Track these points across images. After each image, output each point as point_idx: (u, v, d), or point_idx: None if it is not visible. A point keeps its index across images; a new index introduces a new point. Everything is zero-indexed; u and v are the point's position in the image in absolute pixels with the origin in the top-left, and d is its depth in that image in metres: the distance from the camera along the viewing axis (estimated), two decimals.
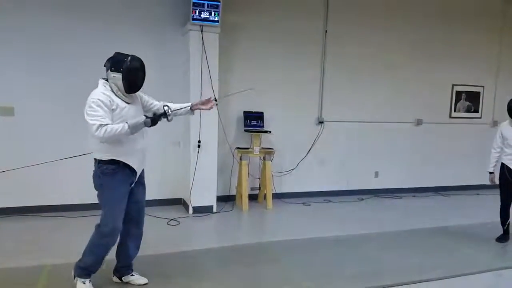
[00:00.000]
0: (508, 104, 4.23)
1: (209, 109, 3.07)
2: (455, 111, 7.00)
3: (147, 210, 5.02)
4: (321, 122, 6.15)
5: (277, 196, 5.81)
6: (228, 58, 5.46)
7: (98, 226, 2.87)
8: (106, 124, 2.58)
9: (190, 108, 3.02)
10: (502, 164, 4.32)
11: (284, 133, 5.90)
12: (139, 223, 3.06)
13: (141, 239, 3.13)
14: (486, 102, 7.15)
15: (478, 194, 6.69)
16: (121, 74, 2.68)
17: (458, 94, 6.98)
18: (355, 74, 6.25)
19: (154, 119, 2.74)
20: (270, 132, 5.60)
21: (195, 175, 5.02)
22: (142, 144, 2.87)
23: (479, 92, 7.10)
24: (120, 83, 2.70)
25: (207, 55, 4.93)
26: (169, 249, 3.86)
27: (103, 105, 2.62)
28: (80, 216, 4.75)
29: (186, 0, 4.91)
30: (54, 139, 4.79)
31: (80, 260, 2.90)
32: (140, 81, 2.78)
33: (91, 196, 5.02)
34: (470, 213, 5.59)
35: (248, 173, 5.47)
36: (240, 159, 5.40)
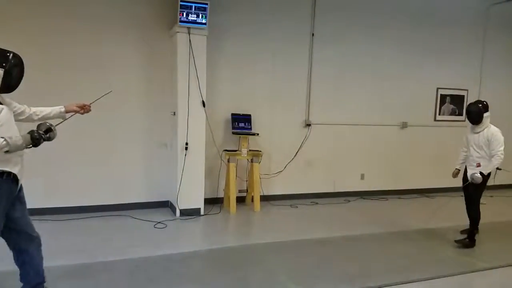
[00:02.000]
0: (467, 109, 4.39)
1: (83, 114, 2.92)
2: (439, 114, 7.12)
3: (133, 213, 5.08)
4: (309, 125, 6.19)
5: (264, 198, 5.82)
6: (216, 60, 5.46)
7: None
8: None
9: (64, 111, 2.80)
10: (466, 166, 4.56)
11: (271, 135, 5.92)
12: (30, 231, 2.73)
13: (41, 243, 2.81)
14: None
15: (462, 195, 6.79)
16: (3, 69, 2.38)
17: (443, 97, 7.10)
18: (342, 77, 6.31)
19: (37, 141, 2.46)
20: (258, 134, 5.61)
21: (182, 178, 5.00)
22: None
23: (463, 96, 7.24)
24: None
25: (194, 57, 4.92)
26: (156, 252, 3.83)
27: None
28: (59, 220, 4.71)
29: (174, 2, 4.91)
30: None
31: None
32: (21, 78, 2.52)
33: (69, 199, 5.00)
34: (454, 215, 5.66)
35: (236, 176, 5.47)
36: (228, 161, 5.40)
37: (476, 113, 4.26)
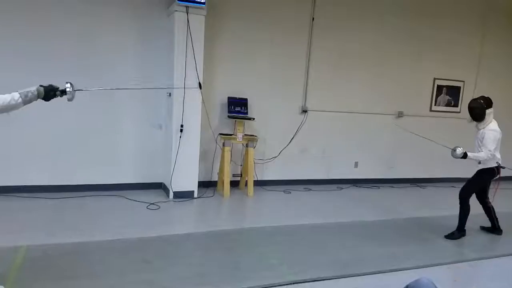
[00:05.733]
0: (468, 106, 4.22)
1: None
2: (435, 104, 7.13)
3: (126, 193, 5.06)
4: (305, 111, 6.16)
5: (258, 183, 5.82)
6: (213, 42, 5.36)
7: None
8: None
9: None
10: None
11: (267, 120, 5.89)
12: None
13: None
14: (466, 97, 7.27)
15: (453, 186, 6.88)
16: None
17: (439, 88, 7.10)
18: (340, 64, 6.25)
19: (50, 91, 2.43)
20: (253, 119, 5.57)
21: (176, 160, 4.96)
22: None
23: (460, 87, 7.24)
24: None
25: (192, 37, 4.83)
26: (149, 233, 3.83)
27: None
28: (53, 198, 4.68)
29: None
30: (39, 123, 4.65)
31: None
32: None
33: (63, 177, 4.97)
34: (443, 205, 5.74)
35: (230, 160, 5.45)
36: (223, 145, 5.37)
37: (478, 109, 4.10)
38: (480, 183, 4.39)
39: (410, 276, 2.32)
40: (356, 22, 6.22)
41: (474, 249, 4.08)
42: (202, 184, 5.47)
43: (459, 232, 4.33)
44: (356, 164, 6.71)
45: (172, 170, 4.97)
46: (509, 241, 4.37)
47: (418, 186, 6.98)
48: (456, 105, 7.28)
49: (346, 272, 3.28)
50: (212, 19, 5.17)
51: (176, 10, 4.75)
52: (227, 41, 5.52)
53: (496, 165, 4.20)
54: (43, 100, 2.49)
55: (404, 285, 1.97)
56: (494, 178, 4.33)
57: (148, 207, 4.67)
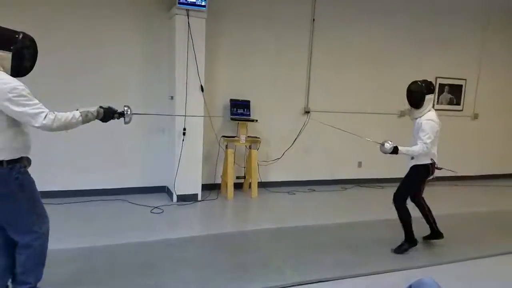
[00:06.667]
0: (407, 89, 3.70)
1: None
2: (437, 103, 7.10)
3: (130, 197, 5.07)
4: (308, 112, 6.16)
5: (262, 185, 5.81)
6: (214, 44, 5.37)
7: (34, 238, 2.47)
8: (53, 112, 2.27)
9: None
10: None
11: (270, 122, 5.89)
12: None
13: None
14: (468, 95, 7.28)
15: (456, 185, 6.86)
16: (11, 52, 2.23)
17: (441, 86, 7.07)
18: (341, 64, 6.25)
19: (109, 113, 2.54)
20: (256, 121, 5.58)
21: (179, 163, 4.97)
22: None
23: (462, 85, 7.22)
24: (8, 65, 2.24)
25: (193, 40, 4.84)
26: (153, 237, 3.83)
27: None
28: (56, 204, 4.69)
29: None
30: None
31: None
32: (34, 61, 2.38)
33: (65, 182, 4.97)
34: (447, 203, 5.71)
35: (234, 162, 5.46)
36: (226, 147, 5.38)
37: (417, 94, 3.55)
38: (414, 182, 3.87)
39: (413, 276, 2.32)
40: (357, 22, 6.22)
41: (477, 247, 4.05)
42: (206, 187, 5.47)
43: (409, 243, 3.77)
44: (359, 164, 6.70)
45: (175, 173, 4.98)
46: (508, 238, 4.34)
47: None
48: (458, 103, 7.26)
49: (351, 272, 3.27)
50: (213, 22, 5.18)
51: (177, 14, 4.76)
52: (228, 43, 5.54)
53: (430, 162, 3.69)
54: (101, 121, 2.58)
55: (407, 284, 1.96)
56: (429, 178, 3.81)
57: (152, 211, 4.68)
